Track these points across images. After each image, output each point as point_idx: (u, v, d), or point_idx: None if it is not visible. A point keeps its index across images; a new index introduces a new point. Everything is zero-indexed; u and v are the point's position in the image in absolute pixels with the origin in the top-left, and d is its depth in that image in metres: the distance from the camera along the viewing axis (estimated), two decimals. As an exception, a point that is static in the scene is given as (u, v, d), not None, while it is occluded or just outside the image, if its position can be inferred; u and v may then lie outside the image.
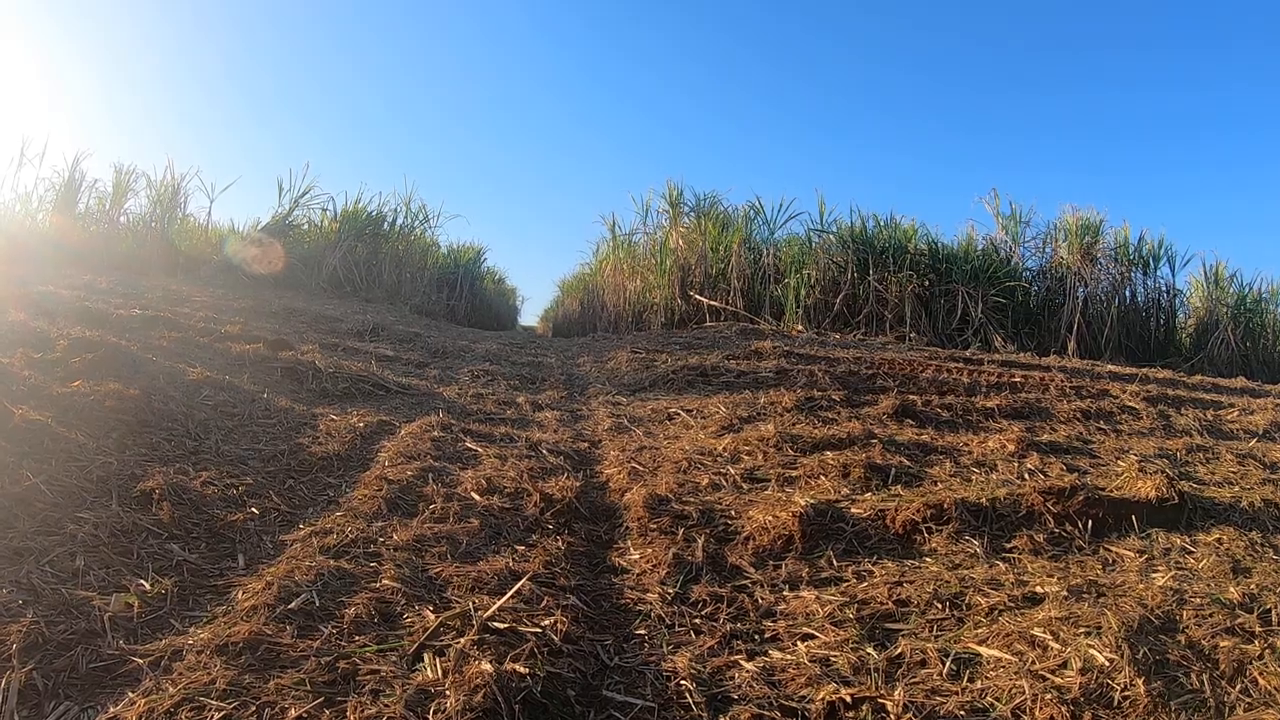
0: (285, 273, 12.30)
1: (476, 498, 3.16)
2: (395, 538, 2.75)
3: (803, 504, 3.17)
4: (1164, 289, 12.95)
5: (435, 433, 4.19)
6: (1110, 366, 10.25)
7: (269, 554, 2.77)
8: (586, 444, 4.45)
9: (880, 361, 8.53)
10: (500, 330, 23.49)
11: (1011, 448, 4.90)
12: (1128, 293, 12.89)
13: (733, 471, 3.87)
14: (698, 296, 12.42)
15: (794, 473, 3.95)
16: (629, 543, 2.96)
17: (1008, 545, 3.25)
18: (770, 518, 3.10)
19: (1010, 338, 11.78)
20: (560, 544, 2.82)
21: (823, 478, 3.88)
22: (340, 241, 12.80)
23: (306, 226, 13.50)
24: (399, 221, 14.13)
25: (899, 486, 3.90)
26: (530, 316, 35.57)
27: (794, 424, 5.20)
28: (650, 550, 2.84)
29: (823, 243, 12.78)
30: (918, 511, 3.29)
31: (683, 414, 5.39)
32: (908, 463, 4.29)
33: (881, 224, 12.91)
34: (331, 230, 13.17)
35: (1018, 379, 8.17)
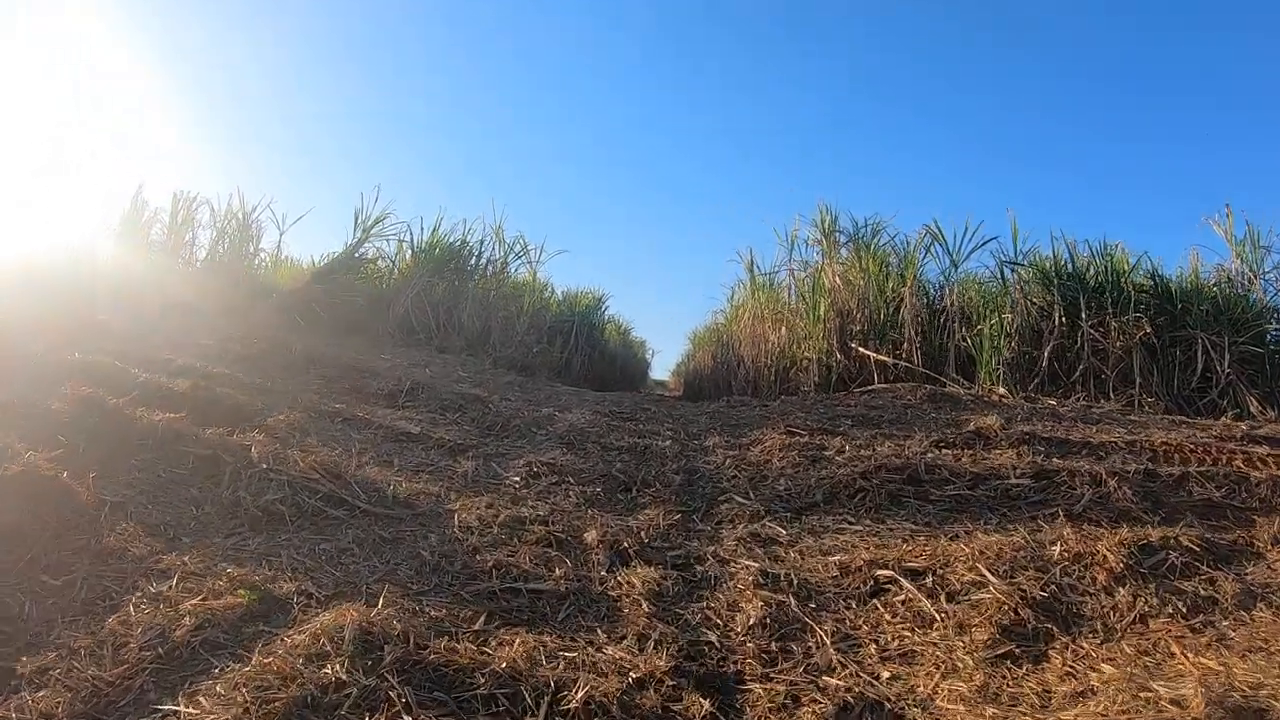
0: (349, 315, 10.36)
1: None
2: None
3: None
4: None
5: (330, 669, 1.68)
6: None
7: None
8: (707, 699, 1.82)
9: (1165, 450, 5.47)
10: (626, 388, 21.12)
11: None
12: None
13: None
14: (861, 349, 9.58)
15: None
16: None
17: None
18: None
19: (1267, 399, 8.30)
20: None
21: None
22: (414, 278, 10.71)
23: (384, 262, 11.57)
24: (488, 255, 11.87)
25: None
26: (662, 370, 33.30)
27: (1164, 634, 2.39)
28: None
29: (1018, 279, 9.69)
30: None
31: (904, 583, 2.65)
32: None
33: (1094, 252, 9.70)
34: (408, 265, 11.13)
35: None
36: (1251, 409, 8.18)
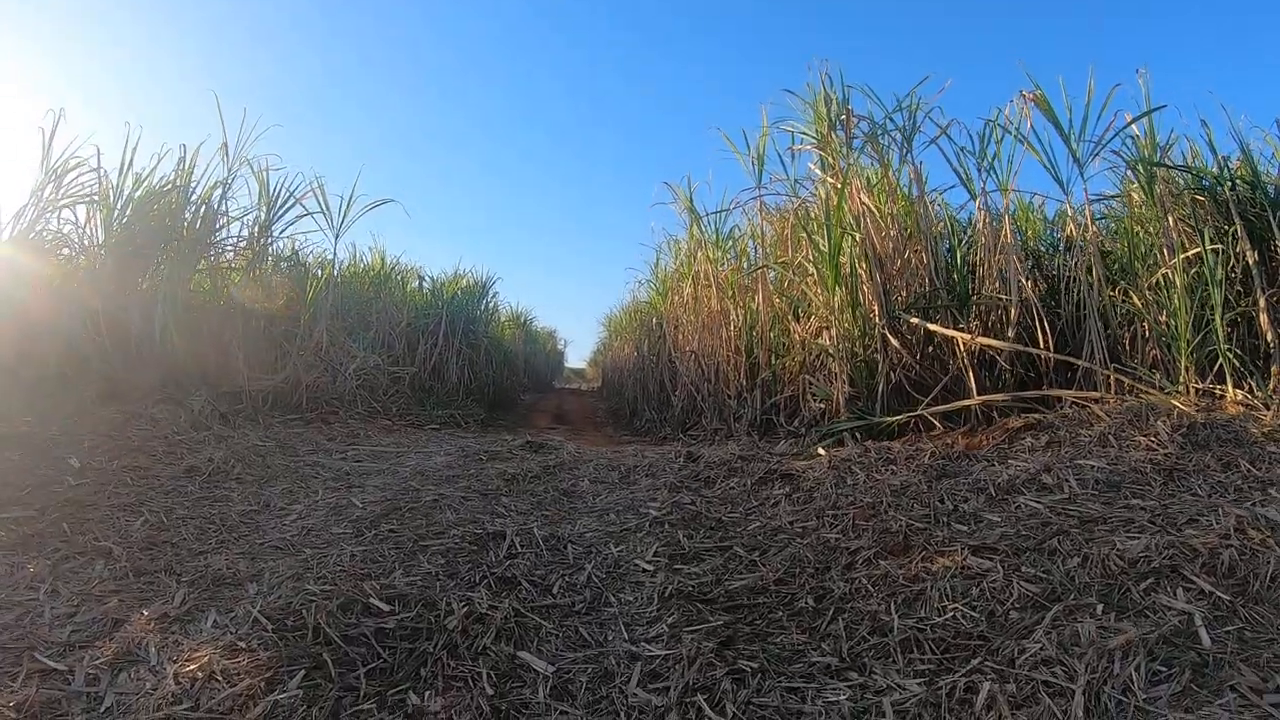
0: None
1: None
2: None
3: None
4: None
5: None
6: None
7: None
8: None
9: None
10: (535, 390, 16.28)
11: None
12: None
13: None
14: (940, 329, 5.12)
15: None
16: None
17: None
18: None
19: None
20: None
21: None
22: (102, 264, 5.63)
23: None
24: (221, 208, 6.24)
25: None
26: (578, 358, 28.66)
27: None
28: None
29: (1167, 191, 5.35)
30: None
31: None
32: None
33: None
34: (110, 241, 5.94)
35: None
36: None
